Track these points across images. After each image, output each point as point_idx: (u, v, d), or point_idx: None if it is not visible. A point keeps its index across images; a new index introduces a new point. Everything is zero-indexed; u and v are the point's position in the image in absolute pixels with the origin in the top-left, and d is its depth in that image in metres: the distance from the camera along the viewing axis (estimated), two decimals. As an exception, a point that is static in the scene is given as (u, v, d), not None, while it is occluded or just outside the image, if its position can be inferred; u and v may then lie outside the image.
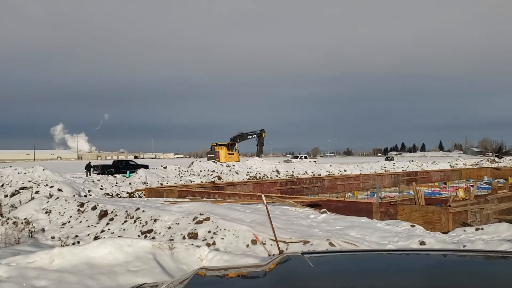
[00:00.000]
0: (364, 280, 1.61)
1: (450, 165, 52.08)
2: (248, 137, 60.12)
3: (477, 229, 9.37)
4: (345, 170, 40.14)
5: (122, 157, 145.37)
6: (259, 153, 61.52)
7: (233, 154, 55.03)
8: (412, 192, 14.08)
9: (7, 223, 11.65)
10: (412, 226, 9.76)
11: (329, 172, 38.59)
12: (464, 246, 7.90)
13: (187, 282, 1.63)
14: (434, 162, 56.65)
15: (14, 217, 12.09)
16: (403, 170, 40.70)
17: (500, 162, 60.05)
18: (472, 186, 15.05)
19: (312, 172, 38.04)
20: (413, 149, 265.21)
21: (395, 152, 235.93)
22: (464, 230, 9.53)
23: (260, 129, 61.16)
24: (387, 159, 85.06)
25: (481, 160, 64.78)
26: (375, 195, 15.85)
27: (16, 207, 13.95)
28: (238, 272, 1.93)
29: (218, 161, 42.70)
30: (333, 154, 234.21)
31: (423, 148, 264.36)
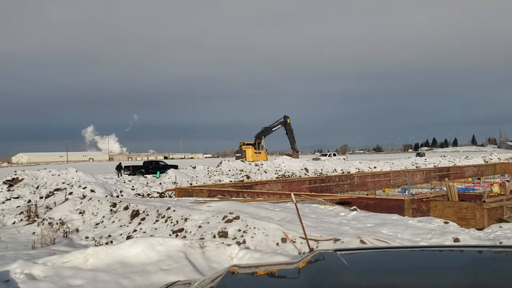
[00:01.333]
0: (400, 277, 1.58)
1: (484, 159, 50.73)
2: (273, 129, 57.07)
3: (514, 225, 9.10)
4: (375, 167, 39.61)
5: (152, 157, 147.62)
6: (292, 144, 58.10)
7: (260, 153, 53.75)
8: (445, 188, 13.78)
9: (43, 224, 11.99)
10: (446, 222, 9.55)
11: (358, 169, 38.16)
12: (501, 242, 7.68)
13: (220, 279, 1.63)
14: (467, 157, 55.31)
15: (49, 218, 12.43)
16: (434, 166, 39.89)
17: (537, 156, 58.14)
18: (508, 181, 14.63)
19: (341, 170, 37.70)
20: (444, 144, 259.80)
21: (426, 148, 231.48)
22: (500, 227, 9.27)
23: (282, 117, 57.42)
24: (418, 154, 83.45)
25: (516, 154, 62.89)
26: (406, 191, 15.58)
27: (51, 208, 14.33)
28: (270, 270, 1.92)
29: (246, 160, 42.47)
30: (362, 151, 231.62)
31: (455, 143, 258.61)
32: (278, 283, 1.72)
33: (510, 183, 13.88)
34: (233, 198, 15.24)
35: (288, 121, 57.36)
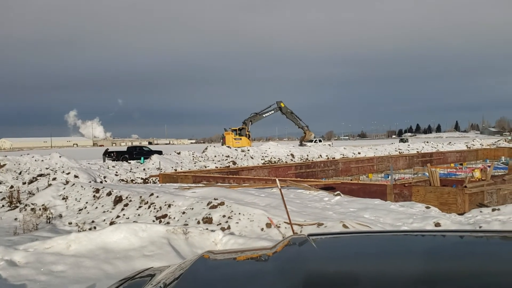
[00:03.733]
0: (367, 262, 1.59)
1: (467, 145, 51.44)
2: (264, 115, 55.56)
3: (493, 210, 9.27)
4: (359, 153, 39.93)
5: (136, 143, 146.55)
6: (299, 125, 56.42)
7: (240, 139, 52.85)
8: (427, 174, 13.96)
9: (25, 210, 11.85)
10: (427, 207, 9.69)
11: (343, 155, 38.43)
12: (480, 227, 7.82)
13: (190, 266, 1.63)
14: (450, 143, 56.00)
15: (32, 204, 12.29)
16: (417, 152, 40.32)
17: (518, 142, 59.11)
18: (489, 166, 14.87)
19: (327, 156, 37.92)
20: (428, 131, 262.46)
21: (409, 134, 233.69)
22: (481, 211, 9.43)
23: (274, 103, 55.45)
24: (402, 140, 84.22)
25: (498, 140, 63.98)
26: (389, 177, 15.76)
27: (33, 194, 14.16)
28: (242, 256, 1.92)
29: (226, 146, 42.09)
30: (347, 137, 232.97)
31: (438, 129, 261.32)
32: (248, 268, 1.73)
33: (491, 168, 14.12)
34: (219, 184, 15.23)
35: (283, 105, 55.77)
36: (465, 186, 11.27)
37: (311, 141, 59.78)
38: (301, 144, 55.43)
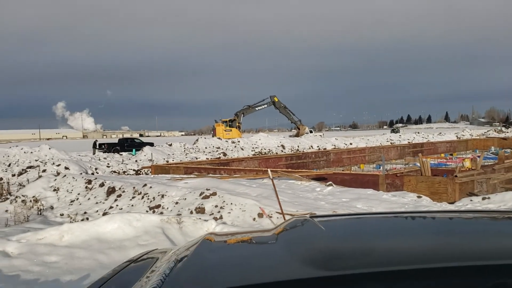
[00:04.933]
0: (377, 240, 1.62)
1: (457, 136, 51.86)
2: (257, 108, 55.23)
3: (483, 199, 9.38)
4: (350, 144, 40.10)
5: (127, 135, 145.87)
6: (291, 120, 56.34)
7: (231, 130, 52.95)
8: (418, 164, 14.06)
9: (16, 202, 11.77)
10: (419, 197, 9.77)
11: (334, 145, 38.55)
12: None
13: (196, 247, 1.63)
14: (440, 133, 56.47)
15: (22, 196, 12.20)
16: (409, 142, 40.58)
17: (508, 132, 59.72)
18: (479, 156, 15.01)
19: (318, 146, 38.02)
20: (419, 121, 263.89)
21: (400, 124, 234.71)
22: (471, 200, 9.54)
23: (267, 97, 55.15)
24: (393, 131, 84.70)
25: (488, 131, 64.56)
26: (381, 167, 15.85)
27: (24, 186, 14.08)
28: (248, 237, 1.93)
29: (217, 137, 42.01)
30: (338, 128, 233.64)
31: (429, 120, 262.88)
32: (255, 248, 1.73)
33: (481, 158, 14.26)
34: (210, 175, 15.22)
35: (276, 100, 55.58)
36: (456, 176, 11.39)
37: (311, 131, 59.89)
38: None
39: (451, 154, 31.89)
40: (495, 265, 1.24)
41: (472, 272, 1.21)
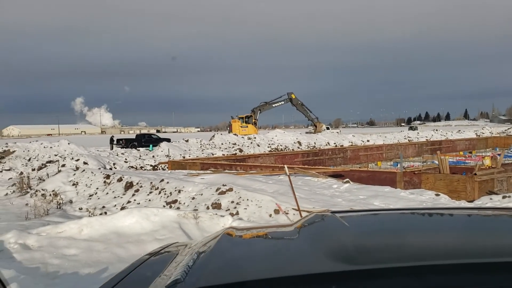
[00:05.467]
0: (402, 236, 1.61)
1: (476, 133, 51.06)
2: (274, 105, 55.77)
3: (503, 197, 9.21)
4: (368, 141, 39.77)
5: (144, 131, 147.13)
6: (308, 117, 56.78)
7: (247, 126, 53.04)
8: (437, 162, 13.88)
9: (36, 195, 11.98)
10: (437, 195, 9.65)
11: (351, 142, 38.29)
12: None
13: (217, 241, 1.64)
14: (459, 131, 55.65)
15: (42, 190, 12.41)
16: (427, 140, 40.09)
17: (528, 130, 58.54)
18: (499, 154, 14.77)
19: (335, 143, 37.81)
20: (437, 119, 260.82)
21: (418, 122, 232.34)
22: (491, 199, 9.38)
23: (285, 94, 55.71)
24: (411, 128, 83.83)
25: (508, 128, 63.30)
26: (399, 164, 15.70)
27: (43, 180, 14.30)
28: (268, 231, 1.93)
29: (233, 133, 42.09)
30: (355, 125, 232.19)
31: (447, 117, 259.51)
32: (278, 242, 1.73)
33: (502, 156, 14.02)
34: (226, 171, 15.27)
35: (294, 97, 55.86)
36: (475, 174, 11.21)
37: (328, 128, 59.83)
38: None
39: (470, 152, 31.40)
40: None
41: (498, 268, 1.19)
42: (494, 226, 1.84)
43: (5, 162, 21.88)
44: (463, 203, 9.01)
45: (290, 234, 1.75)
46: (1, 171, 20.03)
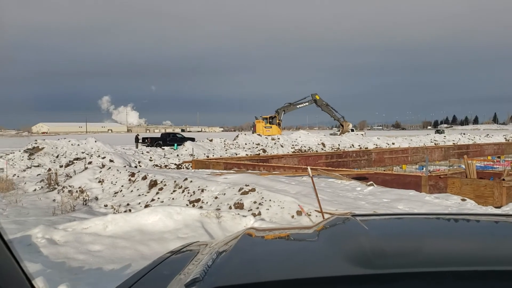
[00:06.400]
0: (422, 241, 1.59)
1: (505, 138, 49.86)
2: (298, 106, 55.63)
3: (533, 204, 8.99)
4: (393, 143, 39.27)
5: (169, 130, 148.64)
6: (335, 117, 56.51)
7: (271, 127, 53.00)
8: (463, 166, 13.62)
9: (63, 192, 12.25)
10: (463, 200, 9.47)
11: (376, 145, 37.88)
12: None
13: (238, 240, 1.65)
14: (488, 135, 54.43)
15: (69, 186, 12.68)
16: (454, 143, 39.35)
17: (560, 135, 56.83)
18: (529, 159, 14.38)
19: (359, 145, 37.47)
20: (465, 122, 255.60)
21: (445, 125, 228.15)
22: (519, 205, 9.16)
23: (309, 95, 55.36)
24: (437, 132, 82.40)
25: (538, 133, 61.61)
26: (424, 168, 15.46)
27: (70, 177, 14.60)
28: (288, 233, 1.93)
29: (258, 133, 42.10)
30: (381, 127, 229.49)
31: (475, 121, 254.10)
32: (297, 244, 1.73)
33: (531, 162, 13.63)
34: (249, 171, 15.31)
35: (318, 98, 55.53)
36: (503, 179, 10.95)
37: (352, 130, 59.37)
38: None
39: (499, 157, 30.72)
40: None
41: None
42: None
43: (34, 159, 22.43)
44: (490, 209, 8.81)
45: (309, 236, 1.75)
46: (30, 167, 20.56)
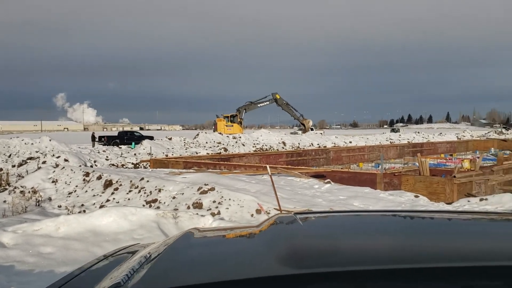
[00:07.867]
0: (351, 238, 1.61)
1: (457, 136, 51.81)
2: (259, 105, 55.87)
3: (481, 200, 9.38)
4: (350, 142, 40.08)
5: (127, 128, 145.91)
6: (295, 117, 56.91)
7: (232, 125, 53.06)
8: (417, 164, 14.05)
9: (14, 192, 11.79)
10: (416, 196, 9.76)
11: (334, 143, 38.55)
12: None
13: (174, 240, 1.63)
14: (441, 133, 56.43)
15: (21, 186, 12.21)
16: (408, 142, 40.54)
17: (508, 134, 59.62)
18: (478, 157, 15.00)
19: (318, 144, 38.02)
20: (419, 121, 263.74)
21: (401, 124, 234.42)
22: (468, 201, 9.54)
23: (270, 94, 55.76)
24: (393, 130, 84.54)
25: (488, 132, 64.49)
26: (380, 166, 15.85)
27: (23, 177, 14.10)
28: (228, 233, 1.93)
29: (218, 132, 42.02)
30: (339, 126, 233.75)
31: (430, 120, 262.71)
32: (233, 245, 1.73)
33: (480, 159, 14.25)
34: (210, 170, 15.22)
35: (278, 97, 55.95)
36: (454, 176, 11.38)
37: (312, 129, 59.98)
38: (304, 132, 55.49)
39: (451, 155, 31.86)
40: (489, 267, 1.21)
41: (460, 273, 1.18)
42: (465, 229, 1.83)
43: (-16, 158, 21.50)
44: (441, 205, 9.12)
45: (248, 236, 1.76)
46: (-20, 167, 19.69)
